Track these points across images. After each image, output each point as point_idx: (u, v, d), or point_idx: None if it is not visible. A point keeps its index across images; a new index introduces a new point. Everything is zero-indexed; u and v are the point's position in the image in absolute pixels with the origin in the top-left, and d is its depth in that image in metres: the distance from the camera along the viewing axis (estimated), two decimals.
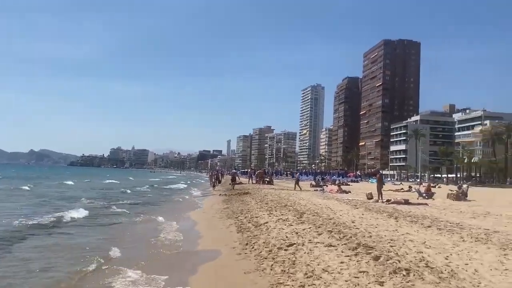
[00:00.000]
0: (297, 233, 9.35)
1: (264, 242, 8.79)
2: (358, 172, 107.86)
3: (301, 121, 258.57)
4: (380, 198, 22.14)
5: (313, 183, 42.46)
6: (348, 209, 15.16)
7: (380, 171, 31.40)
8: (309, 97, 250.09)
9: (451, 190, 25.75)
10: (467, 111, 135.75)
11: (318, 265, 6.58)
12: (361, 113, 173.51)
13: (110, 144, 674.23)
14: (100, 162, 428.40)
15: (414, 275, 5.63)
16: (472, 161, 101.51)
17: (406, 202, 19.38)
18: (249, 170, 56.06)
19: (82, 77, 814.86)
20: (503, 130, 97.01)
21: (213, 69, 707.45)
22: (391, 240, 8.43)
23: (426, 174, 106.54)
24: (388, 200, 19.91)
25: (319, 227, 9.97)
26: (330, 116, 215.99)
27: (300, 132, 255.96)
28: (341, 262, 6.59)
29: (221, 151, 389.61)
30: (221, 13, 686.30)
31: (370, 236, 8.81)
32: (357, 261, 6.55)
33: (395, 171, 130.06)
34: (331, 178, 56.89)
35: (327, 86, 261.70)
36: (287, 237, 8.97)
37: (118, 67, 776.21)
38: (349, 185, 45.81)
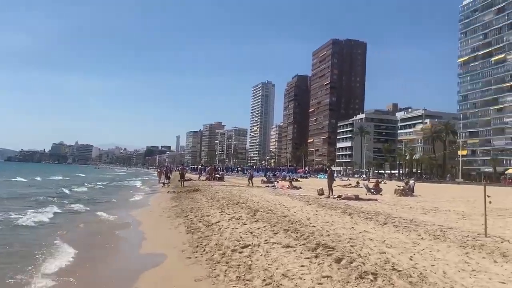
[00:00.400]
0: (251, 232, 8.73)
1: (216, 244, 8.07)
2: (306, 168, 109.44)
3: (252, 118, 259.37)
4: (331, 193, 22.10)
5: (264, 179, 42.22)
6: (302, 206, 14.77)
7: (332, 167, 31.48)
8: (260, 94, 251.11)
9: (398, 186, 26.22)
10: (409, 110, 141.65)
11: (277, 269, 5.98)
12: (309, 110, 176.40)
13: (51, 139, 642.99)
14: (40, 158, 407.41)
15: (383, 280, 5.18)
16: (414, 158, 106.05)
17: (357, 198, 19.38)
18: (199, 167, 54.93)
19: (22, 68, 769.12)
20: (442, 128, 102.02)
21: (162, 63, 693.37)
22: (350, 239, 8.02)
23: (370, 170, 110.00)
24: (339, 196, 19.83)
25: (274, 226, 9.41)
26: (280, 113, 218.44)
27: (250, 129, 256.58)
28: (302, 266, 6.03)
29: (169, 147, 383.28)
30: (174, 6, 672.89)
31: (328, 235, 8.37)
32: (319, 264, 6.03)
33: (341, 167, 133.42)
34: (281, 174, 56.96)
35: (277, 83, 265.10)
36: (241, 237, 8.32)
37: (61, 58, 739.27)
38: (299, 181, 45.97)
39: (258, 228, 9.18)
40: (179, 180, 44.23)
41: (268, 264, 6.27)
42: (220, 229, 9.50)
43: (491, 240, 8.26)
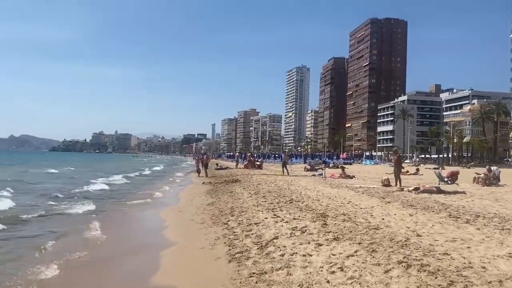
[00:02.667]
0: (342, 269, 5.00)
1: None
2: (346, 154, 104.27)
3: (286, 103, 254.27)
4: (399, 184, 18.11)
5: (308, 166, 38.18)
6: (381, 205, 10.88)
7: (399, 153, 27.06)
8: (294, 78, 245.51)
9: (477, 174, 21.74)
10: (454, 90, 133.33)
11: None
12: (347, 94, 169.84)
13: (92, 129, 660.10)
14: (82, 147, 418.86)
15: None
16: (464, 141, 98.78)
17: (439, 191, 15.26)
18: (236, 153, 51.53)
19: (63, 60, 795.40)
20: (493, 109, 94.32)
21: (198, 52, 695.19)
22: None
23: (414, 155, 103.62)
24: (416, 188, 15.73)
25: (373, 251, 5.66)
26: (316, 97, 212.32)
27: (285, 115, 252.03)
28: None
29: (205, 134, 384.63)
30: None
31: (490, 283, 4.52)
32: None
33: (382, 152, 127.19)
34: (321, 161, 52.78)
35: (312, 67, 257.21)
36: (328, 281, 4.63)
37: (100, 50, 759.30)
38: (345, 167, 41.79)
39: (348, 257, 5.44)
40: (215, 168, 41.41)
41: None
42: (283, 255, 5.78)
43: None
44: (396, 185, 18.12)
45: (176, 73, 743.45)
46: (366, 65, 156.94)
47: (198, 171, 31.24)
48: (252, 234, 7.49)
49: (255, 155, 63.92)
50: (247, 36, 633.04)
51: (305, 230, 7.36)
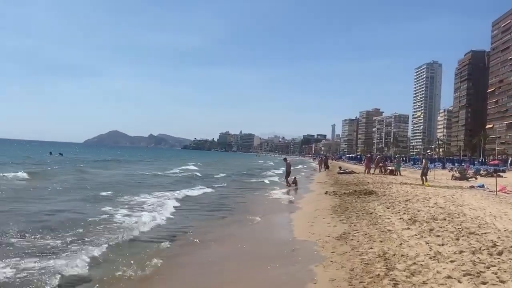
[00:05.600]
0: None
1: None
2: (481, 159, 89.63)
3: (414, 103, 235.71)
4: None
5: (457, 174, 30.75)
6: None
7: None
8: (424, 75, 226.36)
9: None
10: None
11: None
12: (488, 91, 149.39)
13: (219, 129, 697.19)
14: (210, 146, 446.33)
15: None
16: None
17: None
18: (366, 156, 45.40)
19: (195, 66, 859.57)
20: None
21: (318, 52, 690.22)
22: None
23: None
24: None
25: None
26: (449, 96, 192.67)
27: (413, 115, 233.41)
28: None
29: (325, 135, 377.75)
30: None
31: None
32: None
33: None
34: (470, 166, 43.96)
35: (444, 63, 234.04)
36: None
37: (226, 55, 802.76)
38: (501, 176, 33.39)
39: None
40: (338, 172, 36.40)
41: None
42: None
43: None
44: None
45: (296, 74, 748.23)
46: None
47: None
48: None
49: (387, 157, 56.92)
50: (369, 32, 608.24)
51: None
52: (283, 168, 31.95)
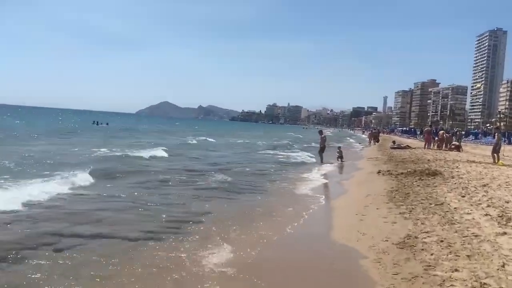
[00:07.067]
0: None
1: None
2: None
3: (474, 73, 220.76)
4: None
5: None
6: None
7: None
8: (487, 44, 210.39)
9: None
10: None
11: None
12: None
13: (266, 101, 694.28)
14: (257, 118, 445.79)
15: None
16: None
17: None
18: (425, 129, 41.36)
19: (242, 37, 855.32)
20: None
21: (369, 20, 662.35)
22: None
23: None
24: None
25: None
26: None
27: (472, 86, 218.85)
28: None
29: (376, 108, 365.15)
30: None
31: None
32: None
33: None
34: None
35: (510, 30, 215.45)
36: None
37: (276, 26, 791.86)
38: None
39: None
40: (391, 147, 33.24)
41: None
42: None
43: None
44: None
45: (346, 43, 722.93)
46: None
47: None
48: None
49: (450, 131, 52.42)
50: (425, 0, 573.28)
51: None
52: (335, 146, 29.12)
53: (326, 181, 15.42)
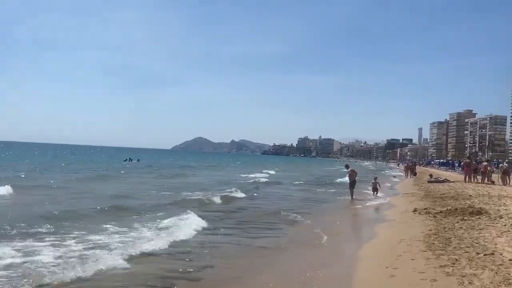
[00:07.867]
0: None
1: None
2: None
3: None
4: None
5: None
6: None
7: None
8: None
9: None
10: None
11: None
12: None
13: (298, 134, 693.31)
14: (289, 151, 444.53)
15: None
16: None
17: None
18: (464, 160, 38.63)
19: (272, 72, 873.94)
20: None
21: (399, 52, 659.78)
22: None
23: None
24: None
25: None
26: None
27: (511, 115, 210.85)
28: None
29: (411, 139, 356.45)
30: None
31: None
32: None
33: None
34: None
35: None
36: None
37: (305, 61, 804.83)
38: None
39: None
40: (429, 181, 31.28)
41: None
42: None
43: None
44: None
45: (378, 77, 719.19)
46: None
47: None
48: None
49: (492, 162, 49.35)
50: (459, 31, 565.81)
51: None
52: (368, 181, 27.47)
53: (355, 219, 14.04)
